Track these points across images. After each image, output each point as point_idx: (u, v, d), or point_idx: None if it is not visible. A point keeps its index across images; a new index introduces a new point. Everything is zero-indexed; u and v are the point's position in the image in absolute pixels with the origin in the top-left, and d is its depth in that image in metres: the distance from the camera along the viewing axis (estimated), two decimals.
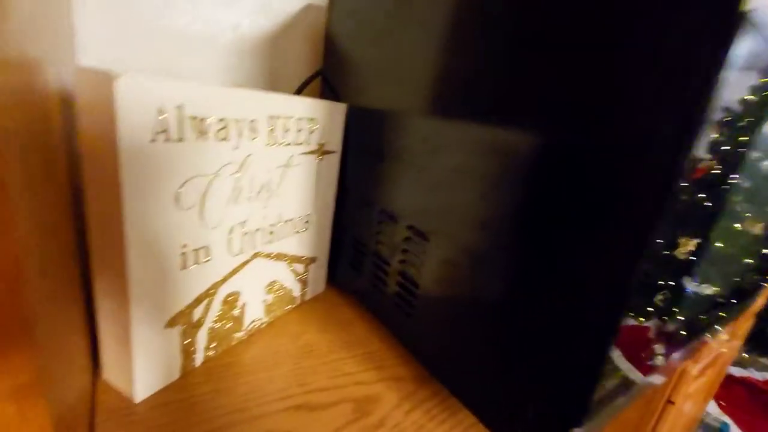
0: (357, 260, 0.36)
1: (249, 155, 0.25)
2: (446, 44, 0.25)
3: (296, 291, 0.35)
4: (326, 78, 0.38)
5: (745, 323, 0.95)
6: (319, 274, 0.37)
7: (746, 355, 1.87)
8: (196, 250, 0.23)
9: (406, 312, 0.30)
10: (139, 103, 0.18)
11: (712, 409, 1.59)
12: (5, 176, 0.10)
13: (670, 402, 0.74)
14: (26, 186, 0.12)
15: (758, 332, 1.83)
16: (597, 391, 0.18)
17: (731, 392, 1.76)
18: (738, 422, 1.58)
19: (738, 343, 1.01)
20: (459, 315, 0.25)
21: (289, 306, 0.35)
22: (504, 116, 0.22)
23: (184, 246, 0.23)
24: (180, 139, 0.20)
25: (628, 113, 0.16)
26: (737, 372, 1.88)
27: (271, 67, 0.39)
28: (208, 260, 0.24)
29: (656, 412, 0.73)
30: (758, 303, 0.90)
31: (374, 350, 0.32)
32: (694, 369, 0.73)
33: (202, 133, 0.21)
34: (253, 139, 0.25)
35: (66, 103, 0.24)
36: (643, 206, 0.16)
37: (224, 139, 0.23)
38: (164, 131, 0.19)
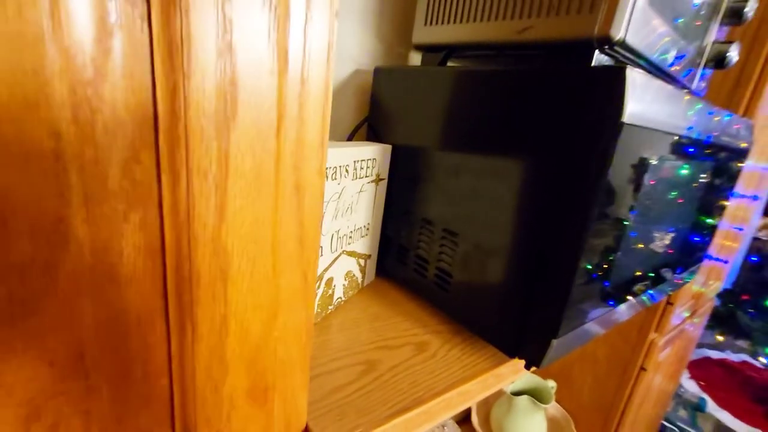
0: (402, 255, 0.50)
1: (344, 187, 0.39)
2: (456, 106, 0.40)
3: (359, 279, 0.49)
4: (371, 124, 0.53)
5: (704, 303, 1.10)
6: (372, 267, 0.51)
7: (721, 338, 2.04)
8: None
9: (444, 288, 0.44)
10: None
11: (692, 387, 1.75)
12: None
13: (642, 369, 0.89)
14: None
15: (729, 316, 2.01)
16: (565, 317, 0.33)
17: (709, 373, 1.93)
18: (715, 399, 1.74)
19: (700, 321, 1.16)
20: (480, 284, 0.39)
21: (355, 290, 0.49)
22: (501, 152, 0.36)
23: None
24: None
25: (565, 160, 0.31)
26: (715, 355, 2.06)
27: (331, 116, 0.53)
28: (321, 256, 0.38)
29: (631, 377, 0.88)
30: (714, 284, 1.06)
31: (419, 316, 0.46)
32: (661, 340, 0.88)
33: (326, 177, 0.35)
34: (346, 177, 0.39)
35: None
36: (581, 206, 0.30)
37: (334, 179, 0.37)
38: None
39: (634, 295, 0.45)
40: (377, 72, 0.51)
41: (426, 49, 0.50)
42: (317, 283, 0.39)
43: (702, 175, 0.49)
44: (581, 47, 0.35)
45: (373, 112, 0.52)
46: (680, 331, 1.02)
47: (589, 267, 0.34)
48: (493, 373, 0.39)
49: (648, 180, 0.36)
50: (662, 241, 0.47)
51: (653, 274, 0.48)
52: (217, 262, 0.18)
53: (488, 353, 0.40)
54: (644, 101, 0.30)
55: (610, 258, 0.36)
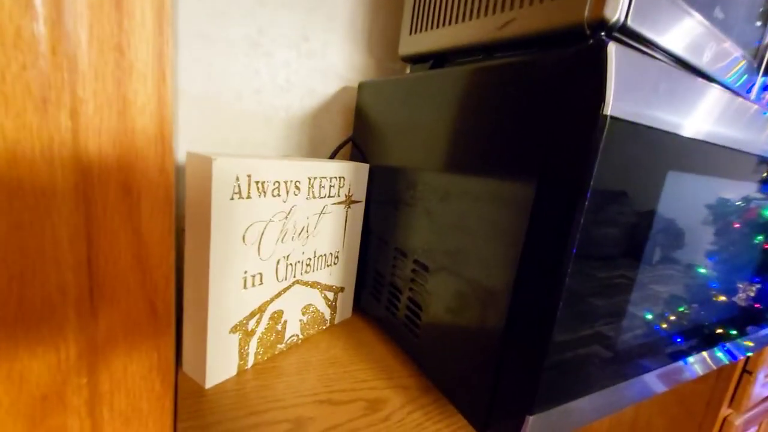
0: (377, 290, 0.43)
1: (294, 206, 0.34)
2: (447, 120, 0.34)
3: (327, 315, 0.42)
4: (355, 143, 0.48)
5: None
6: (346, 302, 0.45)
7: None
8: (253, 276, 0.32)
9: (414, 333, 0.36)
10: (225, 174, 0.28)
11: None
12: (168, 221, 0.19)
13: (747, 372, 0.70)
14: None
15: None
16: (546, 383, 0.24)
17: None
18: None
19: None
20: (448, 330, 0.31)
21: (321, 327, 0.42)
22: (479, 169, 0.29)
23: (245, 272, 0.32)
24: (248, 197, 0.30)
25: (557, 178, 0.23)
26: None
27: (313, 135, 0.50)
28: (260, 284, 0.33)
29: (731, 383, 0.69)
30: None
31: (387, 365, 0.38)
32: (739, 419, 0.70)
33: (262, 192, 0.31)
34: (297, 194, 0.34)
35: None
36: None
37: (277, 195, 0.32)
38: (238, 192, 0.29)
39: (668, 357, 0.34)
40: (361, 87, 0.47)
41: (413, 60, 0.45)
42: (257, 316, 0.34)
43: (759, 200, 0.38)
44: (573, 37, 0.28)
45: (356, 131, 0.48)
46: None
47: (580, 315, 0.25)
48: None
49: (671, 201, 0.27)
50: (718, 285, 0.36)
51: (701, 330, 0.36)
52: None
53: (460, 423, 0.31)
54: (645, 88, 0.23)
55: (618, 303, 0.27)
